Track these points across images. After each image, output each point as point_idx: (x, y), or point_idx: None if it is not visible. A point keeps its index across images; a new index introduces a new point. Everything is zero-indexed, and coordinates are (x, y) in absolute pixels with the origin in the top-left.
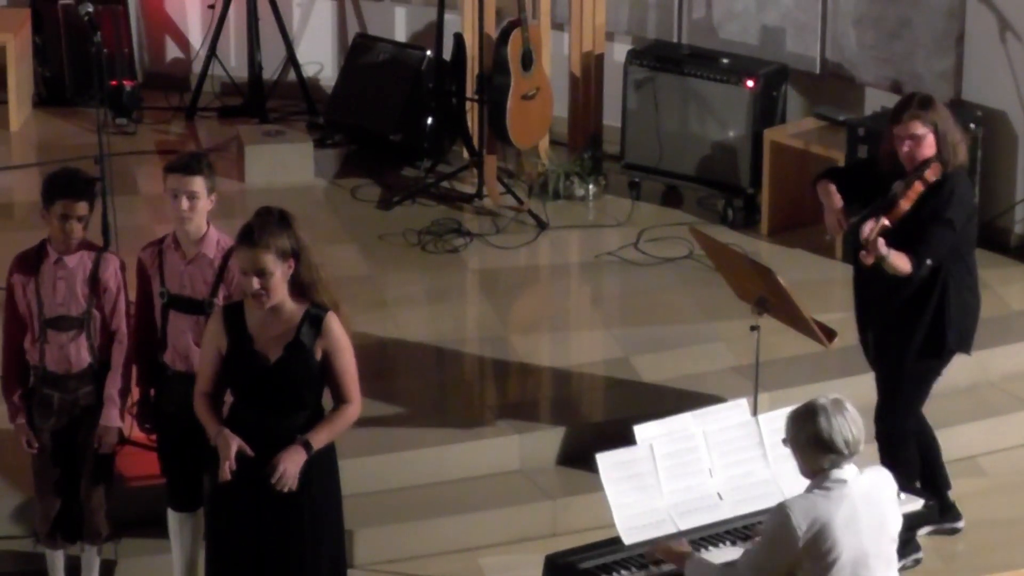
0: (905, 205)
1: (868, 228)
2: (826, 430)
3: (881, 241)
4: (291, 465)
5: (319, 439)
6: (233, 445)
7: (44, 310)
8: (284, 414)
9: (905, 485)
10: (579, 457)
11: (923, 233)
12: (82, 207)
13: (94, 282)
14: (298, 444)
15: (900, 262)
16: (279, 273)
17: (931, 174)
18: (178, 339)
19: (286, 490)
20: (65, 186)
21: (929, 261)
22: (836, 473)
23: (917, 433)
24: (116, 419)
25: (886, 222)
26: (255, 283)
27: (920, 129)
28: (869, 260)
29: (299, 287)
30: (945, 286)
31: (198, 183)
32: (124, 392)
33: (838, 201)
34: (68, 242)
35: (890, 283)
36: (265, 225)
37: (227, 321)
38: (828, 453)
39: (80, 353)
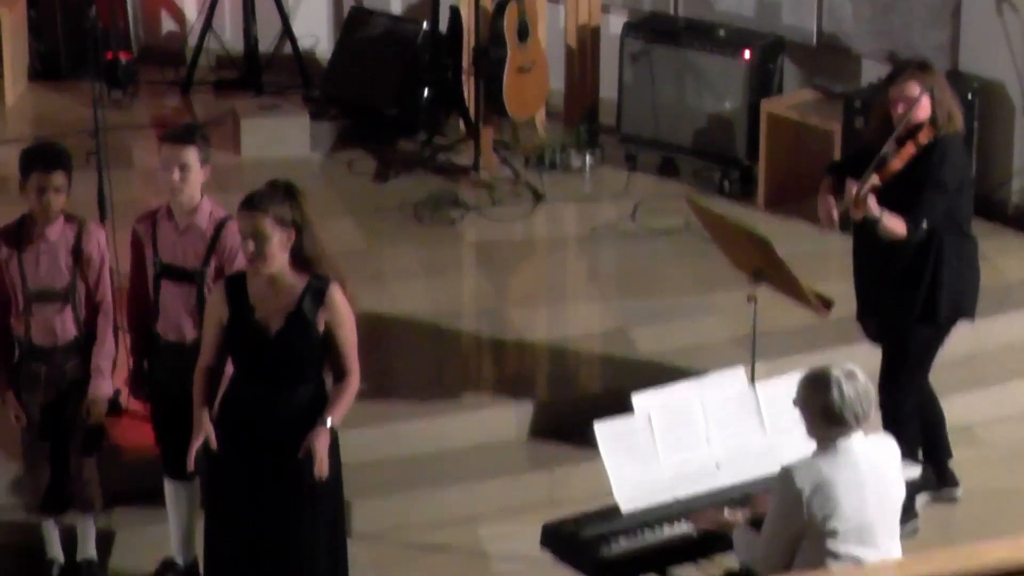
0: (897, 164)
1: (855, 186)
2: (837, 404)
3: (872, 200)
4: (323, 452)
5: (338, 417)
6: (199, 438)
7: (28, 284)
8: (285, 386)
9: (905, 456)
10: (577, 427)
11: (916, 196)
12: (58, 178)
13: (77, 254)
14: (321, 427)
15: (894, 225)
16: (276, 239)
17: (924, 136)
18: (170, 309)
19: (324, 478)
20: (39, 158)
21: (924, 224)
22: (842, 442)
23: (922, 404)
24: (104, 389)
25: (876, 180)
26: (251, 246)
27: (916, 91)
28: (859, 215)
29: (302, 262)
30: (940, 255)
31: (190, 154)
32: (112, 363)
33: (829, 200)
34: (48, 214)
35: (887, 254)
36: (267, 192)
37: (229, 292)
38: (837, 426)
39: (66, 325)
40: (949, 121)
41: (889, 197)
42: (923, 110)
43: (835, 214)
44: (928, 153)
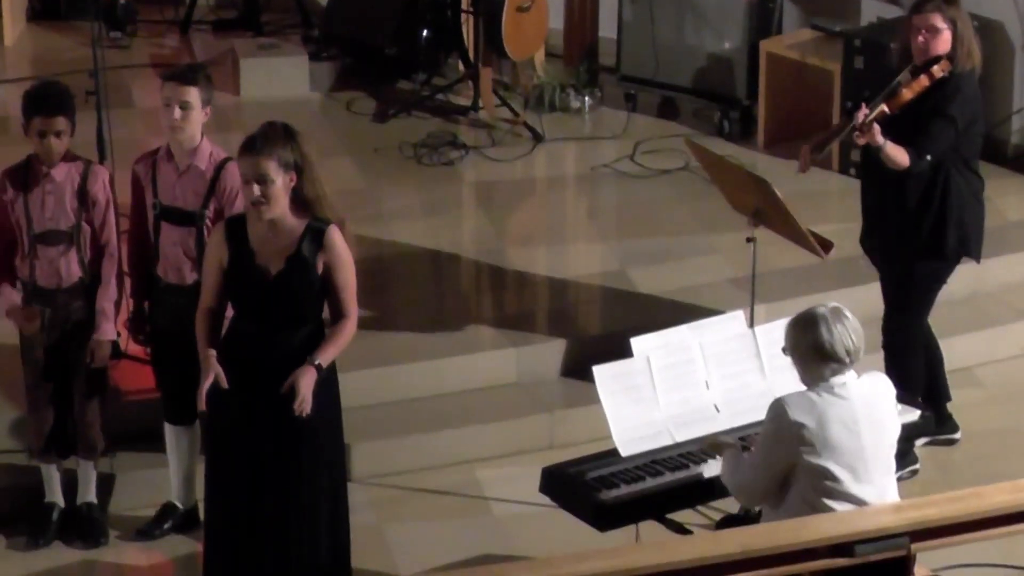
0: (907, 95)
1: (863, 112)
2: (827, 340)
3: (877, 129)
4: (306, 389)
5: (327, 357)
6: (209, 378)
7: (33, 225)
8: (284, 328)
9: (911, 395)
10: (576, 370)
11: (923, 127)
12: (60, 122)
13: (83, 195)
14: (309, 365)
15: (897, 154)
16: (280, 182)
17: (939, 69)
18: (170, 251)
19: (305, 415)
20: (40, 102)
21: (929, 156)
22: (836, 379)
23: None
24: (108, 332)
25: (885, 108)
26: (255, 190)
27: (939, 23)
28: (861, 140)
29: (302, 203)
30: (947, 188)
31: (192, 93)
32: (116, 305)
33: (811, 144)
34: (50, 158)
35: (895, 189)
36: (268, 135)
37: (229, 234)
38: (830, 362)
39: (70, 267)
40: (968, 57)
41: (898, 127)
42: (943, 43)
43: (809, 157)
44: (941, 86)
